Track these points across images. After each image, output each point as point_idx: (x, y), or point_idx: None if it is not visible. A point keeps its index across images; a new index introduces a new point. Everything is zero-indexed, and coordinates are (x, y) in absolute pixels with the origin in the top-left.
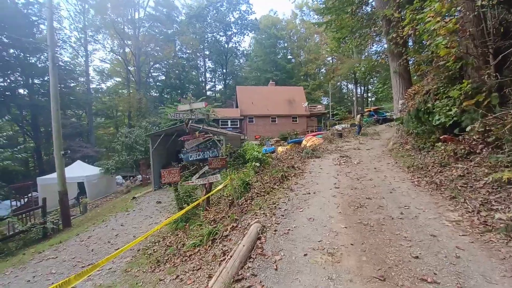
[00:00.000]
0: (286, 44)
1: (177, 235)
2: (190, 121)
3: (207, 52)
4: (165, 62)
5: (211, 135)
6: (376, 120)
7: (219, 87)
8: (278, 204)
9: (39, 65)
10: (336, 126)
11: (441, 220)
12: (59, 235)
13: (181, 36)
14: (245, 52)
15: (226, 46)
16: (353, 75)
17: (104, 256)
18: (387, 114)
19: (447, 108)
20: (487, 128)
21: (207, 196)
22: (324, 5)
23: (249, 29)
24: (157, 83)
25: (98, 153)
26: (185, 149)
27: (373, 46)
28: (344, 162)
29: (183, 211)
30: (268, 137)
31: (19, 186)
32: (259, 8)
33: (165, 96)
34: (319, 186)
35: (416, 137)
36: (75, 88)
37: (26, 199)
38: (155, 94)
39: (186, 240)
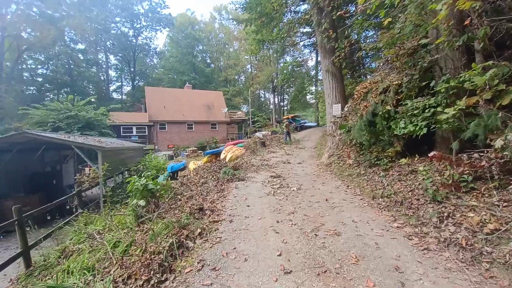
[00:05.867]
0: (204, 47)
1: None
2: None
3: (109, 44)
4: (49, 52)
5: None
6: (294, 127)
7: (127, 88)
8: None
9: None
10: (257, 134)
11: None
12: None
13: (69, 21)
14: (157, 50)
15: (135, 41)
16: (271, 84)
17: None
18: (302, 121)
19: (429, 111)
20: None
21: None
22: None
23: (162, 24)
24: (35, 78)
25: None
26: None
27: (290, 53)
28: (279, 188)
29: None
30: (184, 147)
31: None
32: (175, 6)
33: (50, 95)
34: (251, 272)
35: (361, 149)
36: None
37: None
38: (31, 92)
39: None
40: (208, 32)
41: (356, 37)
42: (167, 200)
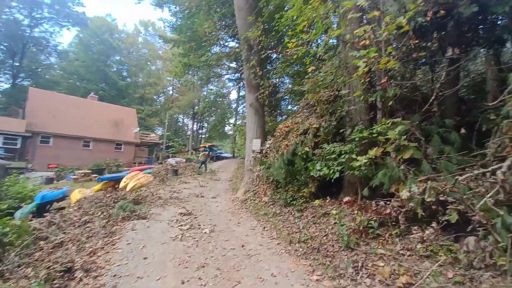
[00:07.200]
0: (123, 59)
1: None
2: None
3: None
4: None
5: None
6: (210, 156)
7: (5, 85)
8: None
9: None
10: (170, 160)
11: None
12: None
13: None
14: (59, 49)
15: (29, 32)
16: (191, 110)
17: None
18: (218, 151)
19: (344, 156)
20: (441, 198)
21: None
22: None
23: (71, 21)
24: None
25: None
26: None
27: (214, 83)
28: (188, 229)
29: None
30: (74, 168)
31: None
32: (94, 8)
33: None
34: None
35: (277, 187)
36: None
37: None
38: None
39: None
40: (129, 44)
41: (276, 81)
42: (19, 249)
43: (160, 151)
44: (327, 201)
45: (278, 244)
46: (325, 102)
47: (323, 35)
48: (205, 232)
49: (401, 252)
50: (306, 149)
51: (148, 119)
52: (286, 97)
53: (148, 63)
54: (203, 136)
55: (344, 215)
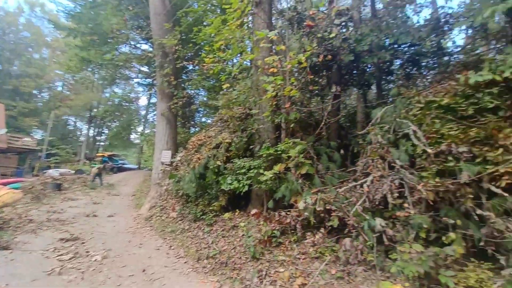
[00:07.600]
0: None
1: None
2: None
3: None
4: None
5: None
6: (110, 167)
7: None
8: None
9: None
10: (51, 171)
11: None
12: None
13: None
14: None
15: None
16: (88, 112)
17: None
18: (121, 161)
19: (253, 171)
20: (327, 207)
21: None
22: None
23: None
24: None
25: None
26: None
27: (120, 85)
28: (71, 259)
29: None
30: None
31: None
32: None
33: None
34: None
35: (187, 202)
36: None
37: None
38: None
39: None
40: (7, 23)
41: (191, 92)
42: None
43: (37, 160)
44: (237, 213)
45: (185, 263)
46: (237, 119)
47: (238, 56)
48: (96, 260)
49: (298, 256)
50: (218, 163)
51: (23, 119)
52: (200, 109)
53: (30, 49)
54: (102, 143)
55: (252, 227)
